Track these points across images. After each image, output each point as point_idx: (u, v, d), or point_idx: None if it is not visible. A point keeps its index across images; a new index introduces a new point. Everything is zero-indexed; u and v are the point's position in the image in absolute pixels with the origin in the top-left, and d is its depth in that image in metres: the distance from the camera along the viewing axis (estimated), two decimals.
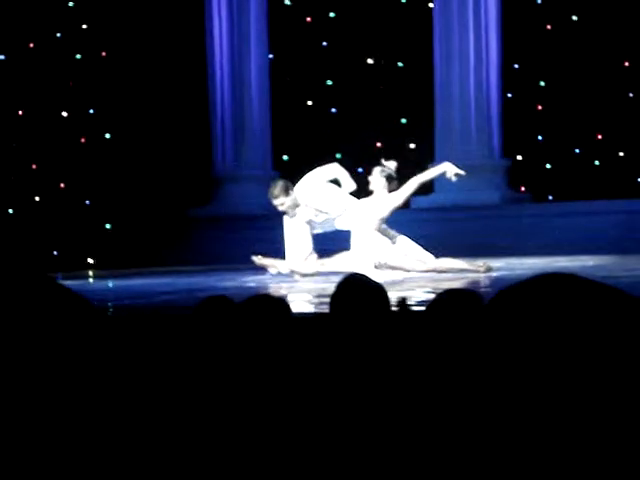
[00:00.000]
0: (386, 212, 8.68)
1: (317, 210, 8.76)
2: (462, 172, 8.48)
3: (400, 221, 11.62)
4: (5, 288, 2.30)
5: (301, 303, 6.56)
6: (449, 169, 8.56)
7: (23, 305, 2.26)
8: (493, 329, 1.84)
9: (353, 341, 2.73)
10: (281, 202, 8.60)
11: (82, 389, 2.23)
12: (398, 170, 8.73)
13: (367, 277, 3.03)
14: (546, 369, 1.82)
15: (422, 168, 11.93)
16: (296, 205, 8.68)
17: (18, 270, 2.39)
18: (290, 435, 2.53)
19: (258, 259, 8.92)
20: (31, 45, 12.71)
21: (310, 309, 6.16)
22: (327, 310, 4.75)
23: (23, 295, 2.28)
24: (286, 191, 8.63)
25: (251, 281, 8.77)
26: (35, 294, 2.29)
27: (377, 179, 8.67)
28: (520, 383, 1.83)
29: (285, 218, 8.81)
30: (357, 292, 2.82)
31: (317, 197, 8.71)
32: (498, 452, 1.89)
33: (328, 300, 3.01)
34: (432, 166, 11.84)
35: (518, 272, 8.41)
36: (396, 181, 8.69)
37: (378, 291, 2.83)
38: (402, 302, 3.11)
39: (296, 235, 8.75)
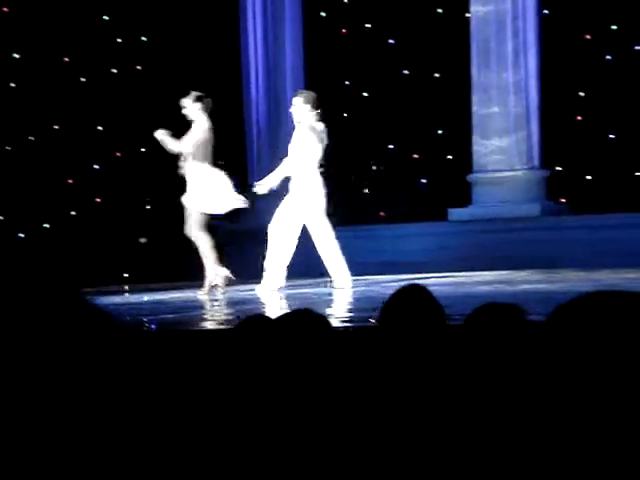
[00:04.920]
0: None
1: None
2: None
3: (437, 233, 11.57)
4: (34, 303, 2.29)
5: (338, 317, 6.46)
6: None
7: (49, 321, 2.24)
8: (552, 345, 1.75)
9: (404, 354, 2.64)
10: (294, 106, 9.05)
11: (108, 405, 2.20)
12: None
13: (425, 289, 2.92)
14: (601, 385, 1.76)
15: (460, 180, 11.90)
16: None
17: (47, 285, 2.36)
18: (332, 451, 2.45)
19: None
20: (66, 59, 12.75)
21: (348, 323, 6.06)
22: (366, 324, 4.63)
23: (50, 311, 2.27)
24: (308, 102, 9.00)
25: (290, 294, 8.70)
26: (62, 310, 2.27)
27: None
28: (578, 396, 1.78)
29: None
30: (414, 303, 2.73)
31: None
32: (554, 469, 1.83)
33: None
34: (470, 179, 11.79)
35: (559, 285, 8.28)
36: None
37: (435, 304, 2.73)
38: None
39: None
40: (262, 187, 9.24)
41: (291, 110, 9.26)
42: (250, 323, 2.66)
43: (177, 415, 2.50)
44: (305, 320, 2.60)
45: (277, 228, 9.02)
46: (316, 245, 8.96)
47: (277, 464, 2.44)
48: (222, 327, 5.99)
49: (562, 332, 1.75)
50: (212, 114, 9.65)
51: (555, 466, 1.83)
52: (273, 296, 8.65)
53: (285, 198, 9.12)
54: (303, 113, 9.11)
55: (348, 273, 9.01)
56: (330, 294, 8.61)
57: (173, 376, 2.76)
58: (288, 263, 9.04)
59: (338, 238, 9.11)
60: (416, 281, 3.36)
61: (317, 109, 9.15)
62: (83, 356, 2.14)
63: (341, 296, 8.43)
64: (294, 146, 9.14)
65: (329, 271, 9.00)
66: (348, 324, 5.81)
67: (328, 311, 6.77)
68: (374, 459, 2.46)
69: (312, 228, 8.95)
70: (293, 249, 9.01)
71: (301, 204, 8.95)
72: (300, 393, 2.48)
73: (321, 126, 9.12)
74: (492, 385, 2.51)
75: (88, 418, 2.12)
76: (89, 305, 2.24)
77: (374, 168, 11.47)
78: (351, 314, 6.96)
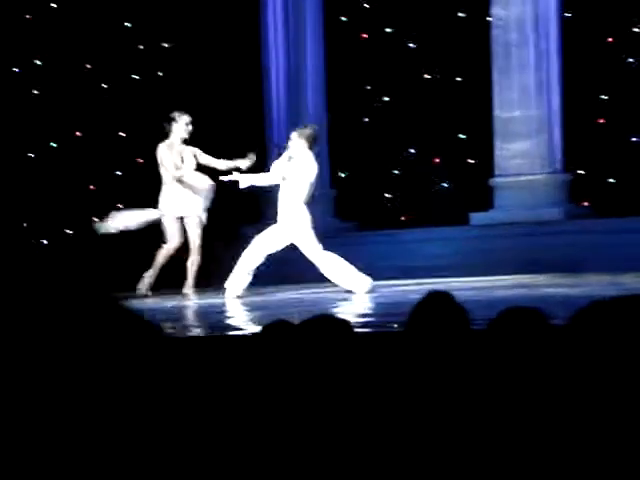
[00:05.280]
0: None
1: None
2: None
3: (459, 237, 11.54)
4: (70, 307, 2.30)
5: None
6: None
7: (85, 324, 2.25)
8: (574, 348, 1.74)
9: (430, 359, 2.64)
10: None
11: (141, 406, 2.21)
12: None
13: (451, 296, 2.92)
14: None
15: (482, 184, 11.86)
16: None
17: (82, 290, 2.38)
18: (356, 457, 2.45)
19: None
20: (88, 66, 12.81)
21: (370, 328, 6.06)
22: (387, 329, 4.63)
23: (86, 314, 2.28)
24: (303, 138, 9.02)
25: (308, 300, 8.69)
26: (97, 313, 2.28)
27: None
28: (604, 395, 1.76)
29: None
30: (442, 310, 2.73)
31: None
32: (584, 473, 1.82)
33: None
34: (491, 183, 11.76)
35: (581, 289, 8.24)
36: None
37: (462, 311, 2.73)
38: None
39: None
40: (234, 177, 9.38)
41: (288, 144, 9.27)
42: (273, 329, 2.66)
43: (202, 419, 2.51)
44: (327, 325, 2.60)
45: (251, 247, 9.10)
46: (320, 269, 8.97)
47: (298, 467, 2.44)
48: (245, 333, 6.00)
49: (583, 336, 1.74)
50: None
51: (576, 466, 1.83)
52: (235, 303, 8.73)
53: (271, 227, 9.13)
54: (298, 148, 9.10)
55: (366, 278, 8.99)
56: (350, 299, 8.60)
57: (196, 382, 2.76)
58: (253, 272, 9.12)
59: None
60: (437, 286, 3.36)
61: (312, 145, 9.15)
62: (123, 359, 2.14)
63: (362, 301, 8.42)
64: (287, 178, 9.14)
65: (341, 286, 8.99)
66: (370, 329, 5.80)
67: (349, 316, 6.77)
68: (398, 463, 2.46)
69: (310, 255, 8.95)
70: (260, 261, 9.11)
71: (288, 234, 8.96)
72: (323, 398, 2.48)
73: (313, 164, 9.09)
74: (515, 388, 2.51)
75: (125, 418, 2.13)
76: (125, 310, 2.25)
77: (395, 172, 11.45)
78: (372, 319, 6.95)
